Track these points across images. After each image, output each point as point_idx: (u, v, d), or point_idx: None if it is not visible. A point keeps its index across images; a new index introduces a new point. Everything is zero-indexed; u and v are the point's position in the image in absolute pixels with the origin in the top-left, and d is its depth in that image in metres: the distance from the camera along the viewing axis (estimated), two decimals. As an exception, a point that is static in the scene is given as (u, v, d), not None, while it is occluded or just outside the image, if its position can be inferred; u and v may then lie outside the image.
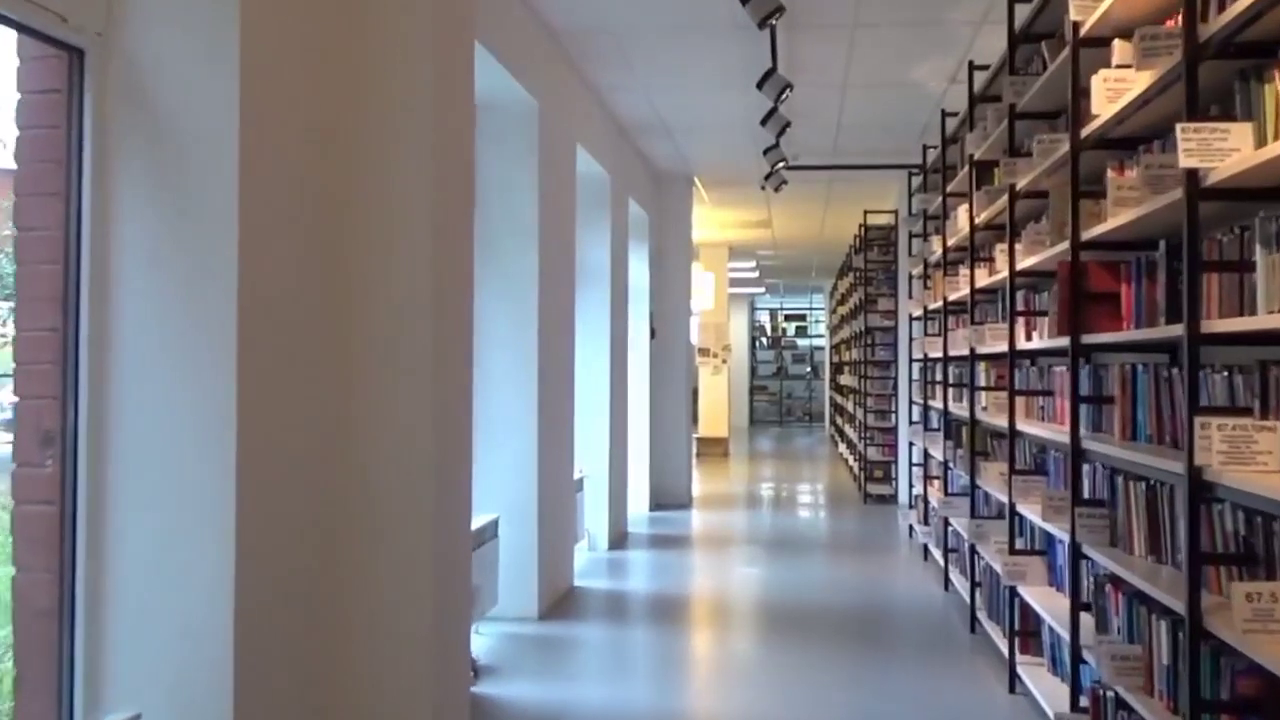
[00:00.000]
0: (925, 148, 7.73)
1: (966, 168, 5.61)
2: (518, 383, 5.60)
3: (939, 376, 7.35)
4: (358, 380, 3.25)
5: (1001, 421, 4.76)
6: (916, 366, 8.26)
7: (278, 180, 2.91)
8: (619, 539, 8.18)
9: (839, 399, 17.00)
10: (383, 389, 3.27)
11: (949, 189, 6.46)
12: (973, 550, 5.45)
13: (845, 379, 15.05)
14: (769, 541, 8.63)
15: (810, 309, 25.98)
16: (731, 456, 16.24)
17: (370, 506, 3.25)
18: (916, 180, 8.59)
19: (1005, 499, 4.68)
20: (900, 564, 7.59)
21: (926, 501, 7.43)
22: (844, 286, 15.25)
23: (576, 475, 7.45)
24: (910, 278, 8.53)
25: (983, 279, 5.37)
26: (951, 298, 6.29)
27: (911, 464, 8.48)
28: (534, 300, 5.63)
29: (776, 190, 8.54)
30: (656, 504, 10.19)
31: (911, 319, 8.49)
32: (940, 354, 6.71)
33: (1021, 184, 4.32)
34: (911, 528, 8.36)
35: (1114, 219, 3.13)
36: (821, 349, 24.47)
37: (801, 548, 8.23)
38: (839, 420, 16.78)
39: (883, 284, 10.85)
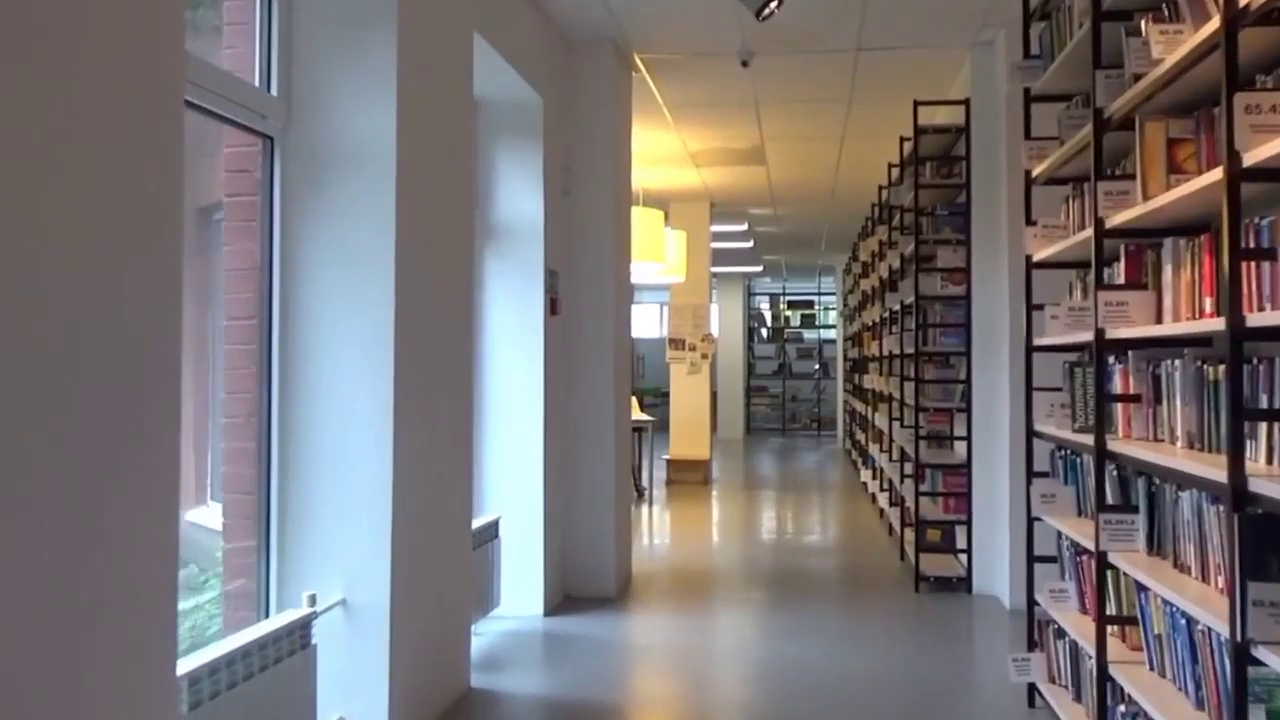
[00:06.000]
0: None
1: None
2: None
3: (1130, 386, 3.16)
4: None
5: None
6: (1044, 363, 4.06)
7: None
8: (436, 720, 3.98)
9: (858, 406, 12.76)
10: None
11: None
12: None
13: (871, 380, 10.77)
14: None
15: (819, 294, 21.68)
16: (714, 485, 11.99)
17: None
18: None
19: None
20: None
21: (1108, 680, 3.21)
22: (867, 251, 10.98)
23: (306, 609, 3.25)
24: (1029, 183, 4.29)
25: None
26: (1257, 161, 2.08)
27: (1032, 556, 4.26)
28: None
29: (762, 17, 4.33)
30: (565, 595, 6.00)
31: (1031, 268, 4.25)
32: (1172, 328, 2.53)
33: None
34: (1034, 690, 4.14)
35: None
36: (833, 343, 20.16)
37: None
38: (859, 435, 12.54)
39: (944, 226, 6.61)
